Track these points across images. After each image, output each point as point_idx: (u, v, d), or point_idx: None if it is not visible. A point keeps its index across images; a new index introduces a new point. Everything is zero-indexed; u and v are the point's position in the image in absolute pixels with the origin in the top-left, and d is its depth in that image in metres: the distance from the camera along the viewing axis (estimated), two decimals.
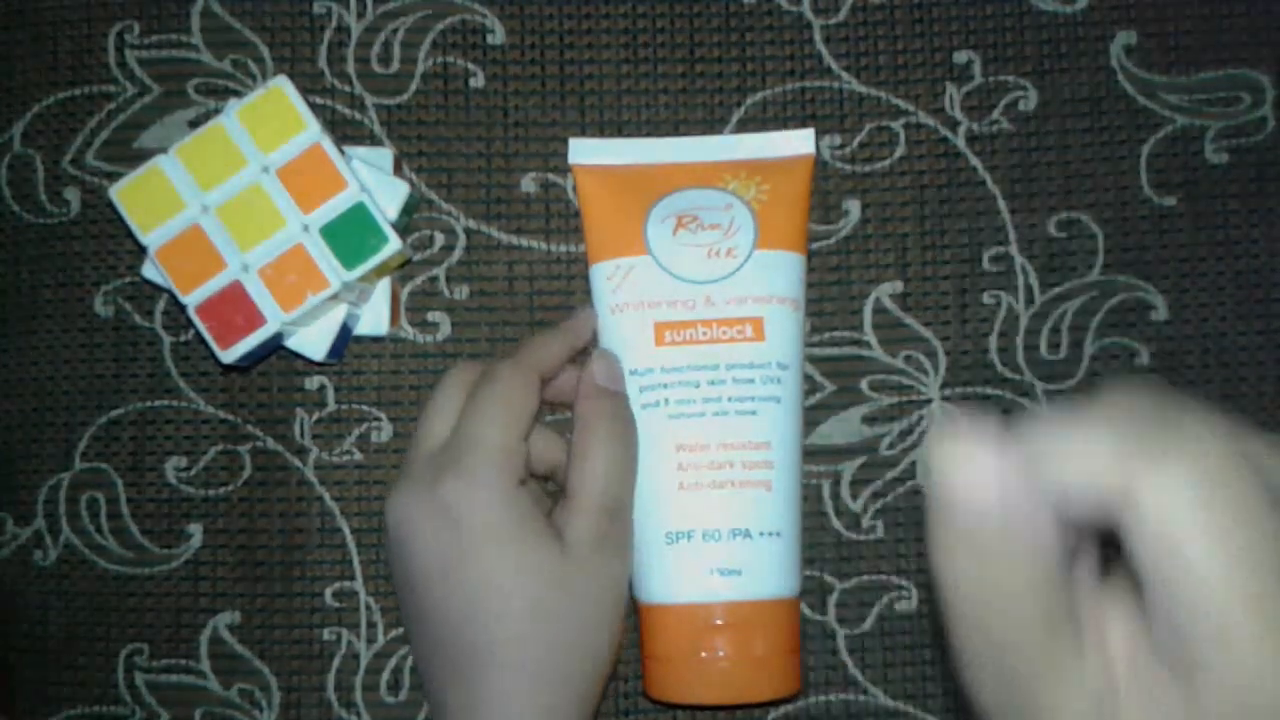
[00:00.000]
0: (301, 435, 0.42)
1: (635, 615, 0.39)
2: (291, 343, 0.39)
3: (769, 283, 0.38)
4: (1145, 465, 0.19)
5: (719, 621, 0.36)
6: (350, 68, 0.43)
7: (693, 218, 0.39)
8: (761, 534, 0.37)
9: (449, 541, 0.35)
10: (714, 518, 0.37)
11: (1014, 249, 0.42)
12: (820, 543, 0.42)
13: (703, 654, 0.36)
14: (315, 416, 0.42)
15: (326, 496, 0.42)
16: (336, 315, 0.39)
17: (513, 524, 0.35)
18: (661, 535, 0.37)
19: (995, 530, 0.20)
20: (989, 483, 0.20)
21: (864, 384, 0.42)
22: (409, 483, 0.36)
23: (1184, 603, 0.19)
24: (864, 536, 0.41)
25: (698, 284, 0.38)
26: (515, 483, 0.35)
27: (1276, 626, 0.19)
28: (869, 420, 0.42)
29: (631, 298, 0.38)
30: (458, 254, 0.42)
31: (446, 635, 0.35)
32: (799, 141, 0.41)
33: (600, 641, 0.36)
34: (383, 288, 0.41)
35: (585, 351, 0.40)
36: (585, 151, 0.41)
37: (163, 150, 0.37)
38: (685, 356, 0.38)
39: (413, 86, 0.43)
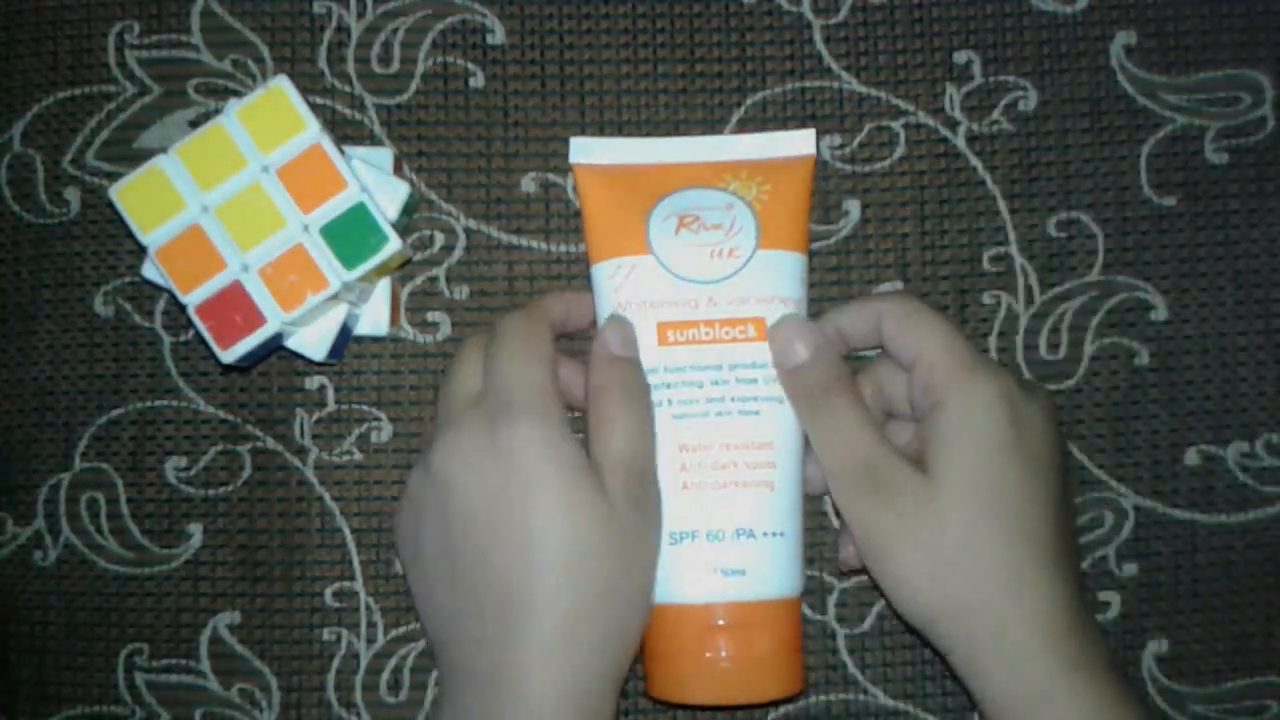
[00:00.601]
0: (301, 435, 0.42)
1: None
2: (291, 343, 0.39)
3: (771, 283, 0.38)
4: (881, 301, 0.38)
5: (722, 622, 0.36)
6: (350, 68, 0.43)
7: (694, 218, 0.38)
8: (765, 534, 0.37)
9: (503, 483, 0.35)
10: (718, 518, 0.37)
11: (1014, 249, 0.42)
12: (820, 542, 0.42)
13: (706, 654, 0.36)
14: (315, 416, 0.42)
15: (326, 496, 0.42)
16: (336, 315, 0.39)
17: (567, 469, 0.35)
18: (665, 535, 0.37)
19: (812, 360, 0.37)
20: (800, 329, 0.38)
21: None
22: (456, 430, 0.36)
23: (927, 363, 0.36)
24: None
25: (700, 284, 0.38)
26: (562, 423, 0.35)
27: (974, 366, 0.36)
28: None
29: (634, 297, 0.38)
30: (458, 254, 0.43)
31: (487, 585, 0.35)
32: (799, 141, 0.40)
33: (635, 598, 0.36)
34: (383, 288, 0.41)
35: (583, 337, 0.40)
36: (586, 150, 0.40)
37: (163, 150, 0.37)
38: (688, 356, 0.38)
39: (413, 86, 0.43)
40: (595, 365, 0.37)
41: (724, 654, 0.36)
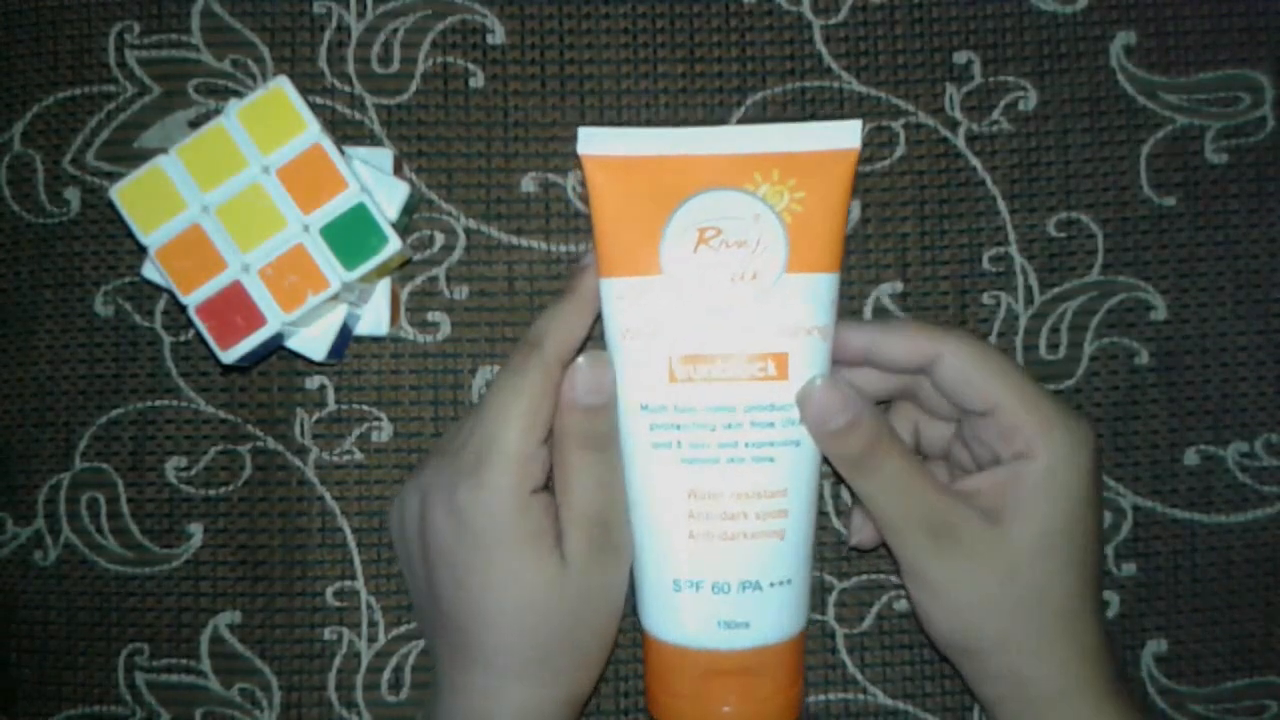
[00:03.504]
0: (302, 435, 0.42)
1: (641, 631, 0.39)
2: (292, 343, 0.39)
3: (797, 312, 0.35)
4: (941, 340, 0.36)
5: (723, 668, 0.35)
6: (350, 68, 0.43)
7: (716, 231, 0.35)
8: (772, 584, 0.35)
9: (459, 543, 0.35)
10: (724, 570, 0.35)
11: (1014, 249, 0.42)
12: (820, 543, 0.42)
13: (706, 698, 0.35)
14: (315, 416, 0.42)
15: (327, 496, 0.42)
16: (337, 315, 0.39)
17: (520, 537, 0.35)
18: (669, 581, 0.36)
19: (845, 418, 0.35)
20: (836, 396, 0.35)
21: None
22: (435, 469, 0.36)
23: (1009, 414, 0.35)
24: None
25: (717, 312, 0.35)
26: (529, 491, 0.35)
27: (1057, 417, 0.35)
28: None
29: (644, 324, 0.35)
30: (458, 254, 0.42)
31: (450, 622, 0.36)
32: (843, 134, 0.35)
33: (590, 647, 0.36)
34: (383, 288, 0.41)
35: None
36: (596, 141, 0.36)
37: (163, 150, 0.37)
38: (701, 396, 0.35)
39: (413, 86, 0.43)
40: (561, 412, 0.36)
41: (724, 699, 0.35)
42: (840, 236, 0.36)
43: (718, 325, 0.35)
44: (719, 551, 0.35)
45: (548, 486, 0.37)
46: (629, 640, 0.41)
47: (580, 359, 0.36)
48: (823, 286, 0.35)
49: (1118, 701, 0.35)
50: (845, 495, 0.42)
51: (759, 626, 0.35)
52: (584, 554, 0.35)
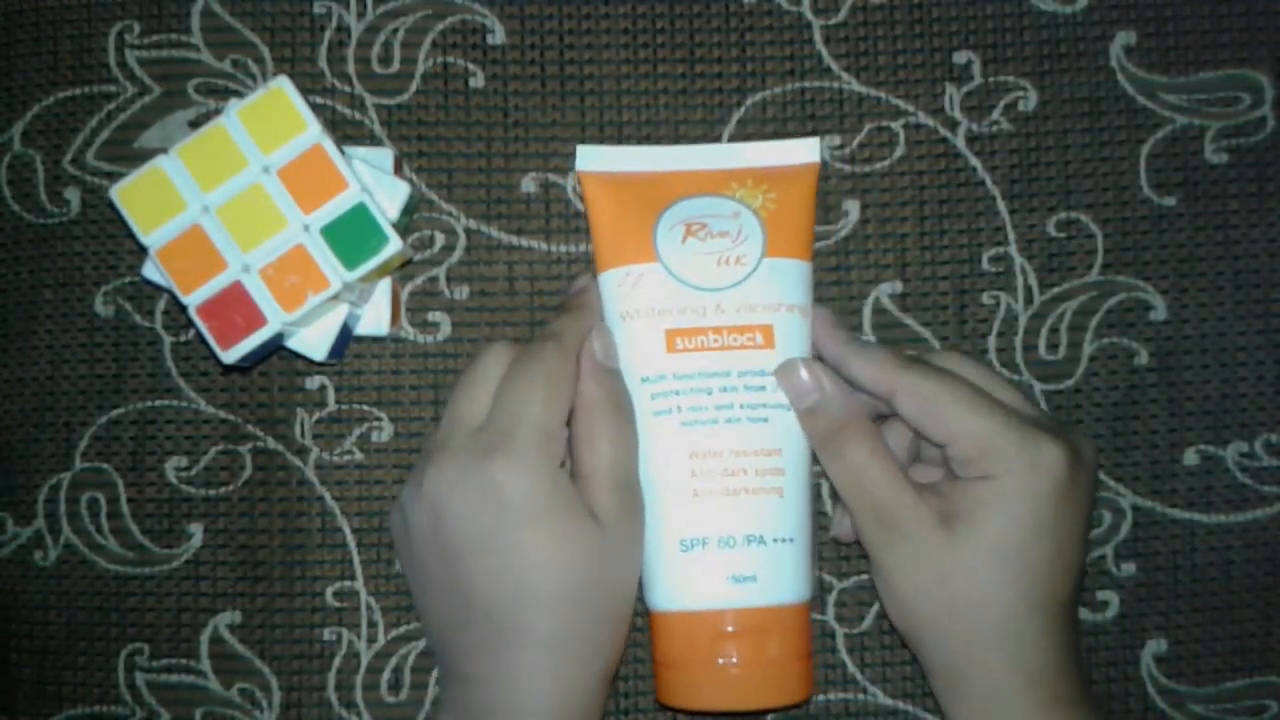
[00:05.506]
0: (302, 435, 0.42)
1: (644, 621, 0.39)
2: (292, 343, 0.39)
3: (778, 290, 0.38)
4: (898, 376, 0.37)
5: (733, 628, 0.36)
6: (350, 68, 0.43)
7: (701, 225, 0.38)
8: (775, 540, 0.37)
9: (493, 519, 0.35)
10: (729, 524, 0.37)
11: (1013, 249, 0.42)
12: (820, 542, 0.42)
13: (718, 660, 0.36)
14: (316, 416, 0.42)
15: (327, 496, 0.42)
16: (337, 315, 0.39)
17: (556, 506, 0.35)
18: (676, 542, 0.37)
19: (820, 396, 0.37)
20: (807, 377, 0.38)
21: None
22: (451, 456, 0.36)
23: (968, 445, 0.36)
24: None
25: (708, 291, 0.38)
26: (557, 464, 0.36)
27: (1024, 441, 0.35)
28: None
29: (642, 305, 0.38)
30: (458, 254, 0.43)
31: (479, 607, 0.36)
32: (804, 150, 0.40)
33: (621, 615, 0.37)
34: (383, 288, 0.41)
35: None
36: (592, 158, 0.40)
37: (163, 150, 0.37)
38: (697, 363, 0.38)
39: (413, 86, 0.43)
40: (584, 377, 0.37)
41: (736, 660, 0.36)
42: (809, 232, 0.40)
43: (708, 301, 0.38)
44: (723, 507, 0.37)
45: (561, 466, 0.37)
46: (629, 640, 0.41)
47: (594, 329, 0.38)
48: (798, 271, 0.39)
49: (1061, 711, 0.35)
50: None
51: (766, 581, 0.37)
52: (615, 517, 0.36)
